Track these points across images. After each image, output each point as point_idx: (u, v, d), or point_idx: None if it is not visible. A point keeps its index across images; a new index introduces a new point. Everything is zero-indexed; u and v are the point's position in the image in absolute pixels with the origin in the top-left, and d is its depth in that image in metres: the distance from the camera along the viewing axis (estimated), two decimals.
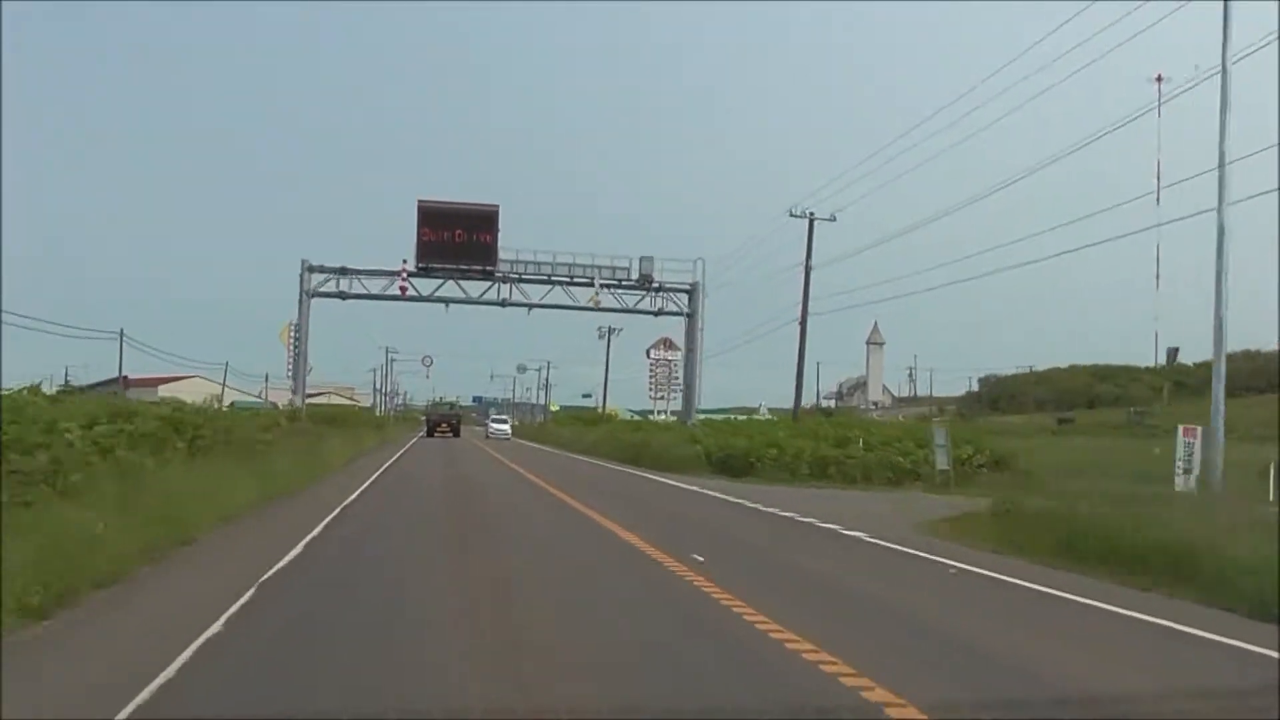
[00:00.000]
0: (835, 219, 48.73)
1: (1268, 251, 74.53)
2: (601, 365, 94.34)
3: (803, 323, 49.27)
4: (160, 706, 6.34)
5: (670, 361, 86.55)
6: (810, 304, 48.13)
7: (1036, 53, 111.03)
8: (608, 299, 56.36)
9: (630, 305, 56.76)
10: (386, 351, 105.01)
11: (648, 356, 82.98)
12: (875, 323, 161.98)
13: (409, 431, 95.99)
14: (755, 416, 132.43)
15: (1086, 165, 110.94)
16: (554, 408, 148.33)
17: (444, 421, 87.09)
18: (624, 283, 55.79)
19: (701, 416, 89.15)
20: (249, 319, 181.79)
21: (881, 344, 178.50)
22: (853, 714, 6.53)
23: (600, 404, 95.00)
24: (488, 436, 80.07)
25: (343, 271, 55.02)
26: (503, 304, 55.51)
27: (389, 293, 55.24)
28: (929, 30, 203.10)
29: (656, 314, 56.97)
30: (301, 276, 54.57)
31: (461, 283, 55.34)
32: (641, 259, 55.36)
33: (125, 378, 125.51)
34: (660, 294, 56.29)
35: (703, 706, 6.77)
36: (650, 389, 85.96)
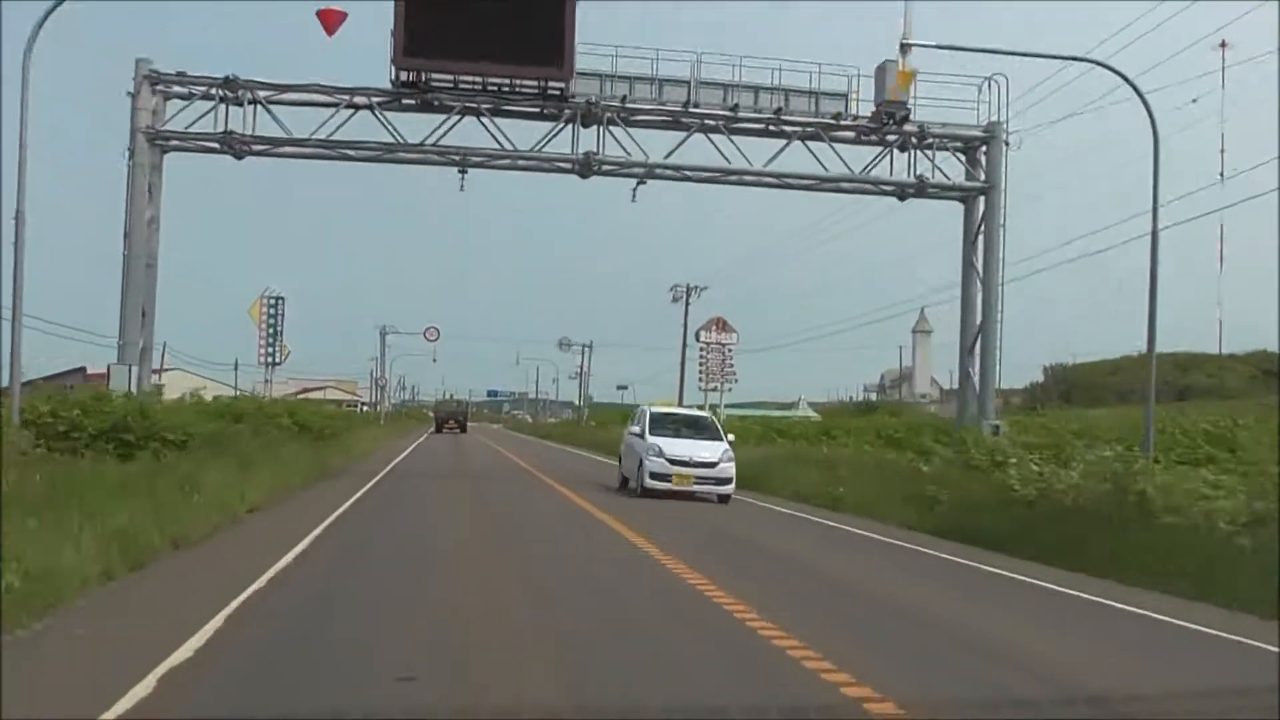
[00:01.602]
0: None
1: None
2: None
3: None
4: None
5: (724, 345, 59.96)
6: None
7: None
8: (795, 156, 23.58)
9: (855, 171, 23.69)
10: (382, 333, 71.68)
11: (696, 339, 60.56)
12: (923, 310, 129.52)
13: (409, 432, 63.69)
14: (793, 414, 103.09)
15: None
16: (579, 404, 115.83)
17: (451, 418, 78.87)
18: (842, 121, 23.10)
19: (739, 413, 60.74)
20: (221, 295, 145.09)
21: (929, 332, 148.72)
22: None
23: (677, 396, 61.60)
24: (645, 486, 21.13)
25: (228, 90, 21.78)
26: (583, 168, 22.35)
27: (332, 139, 22.05)
28: None
29: (911, 189, 23.66)
30: (134, 97, 21.34)
31: (496, 121, 22.41)
32: (883, 65, 22.59)
33: (84, 370, 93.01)
34: (921, 148, 23.43)
35: None
36: (700, 379, 60.45)
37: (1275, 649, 8.00)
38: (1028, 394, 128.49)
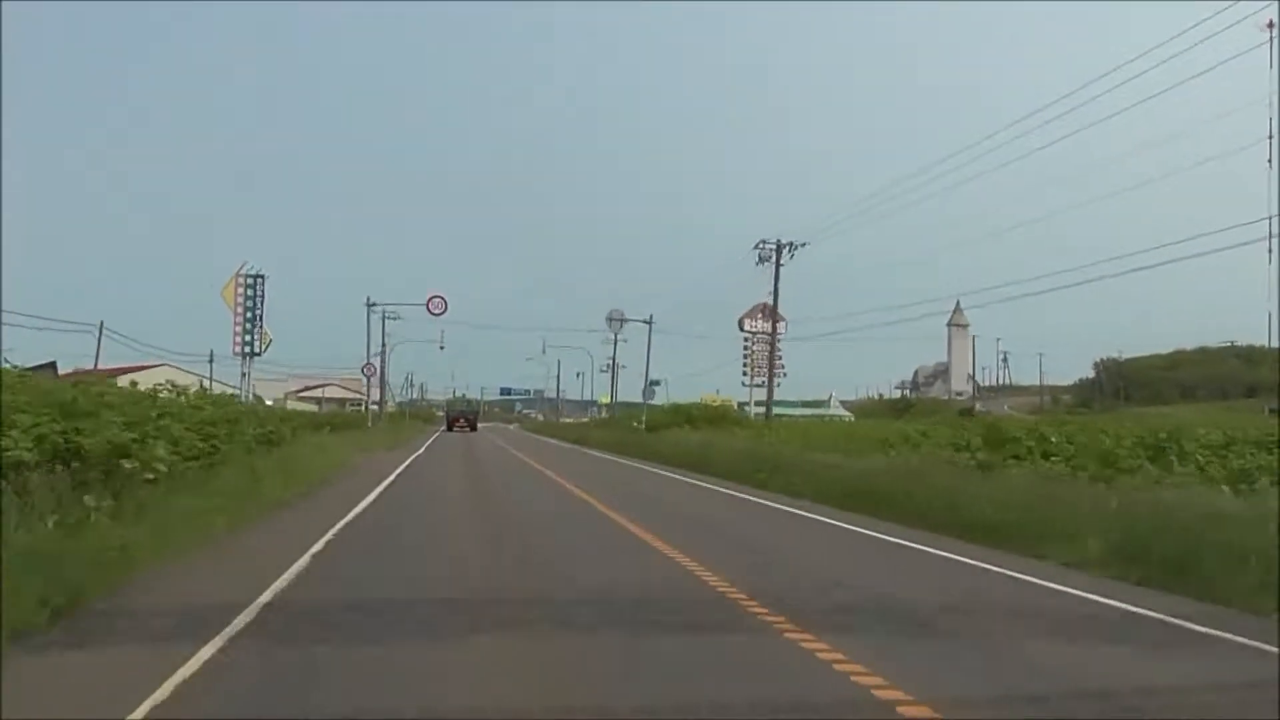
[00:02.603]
0: None
1: None
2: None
3: None
4: None
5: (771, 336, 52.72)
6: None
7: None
8: None
9: None
10: (370, 306, 54.47)
11: (740, 329, 55.30)
12: (958, 302, 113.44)
13: (409, 440, 47.43)
14: (828, 413, 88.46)
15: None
16: (603, 401, 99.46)
17: (461, 417, 75.81)
18: None
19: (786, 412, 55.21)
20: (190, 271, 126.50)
21: (966, 326, 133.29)
22: None
23: (766, 388, 44.60)
24: None
25: None
26: None
27: None
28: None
29: None
30: None
31: None
32: None
33: (54, 364, 76.65)
34: None
35: None
36: (744, 372, 55.27)
37: None
38: (1078, 391, 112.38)
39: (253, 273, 54.95)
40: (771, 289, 40.83)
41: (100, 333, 51.32)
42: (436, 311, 44.66)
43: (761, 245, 39.63)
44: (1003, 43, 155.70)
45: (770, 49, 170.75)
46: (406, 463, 26.64)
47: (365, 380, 53.09)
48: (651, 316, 45.69)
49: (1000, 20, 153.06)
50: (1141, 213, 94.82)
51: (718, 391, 79.06)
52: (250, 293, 55.03)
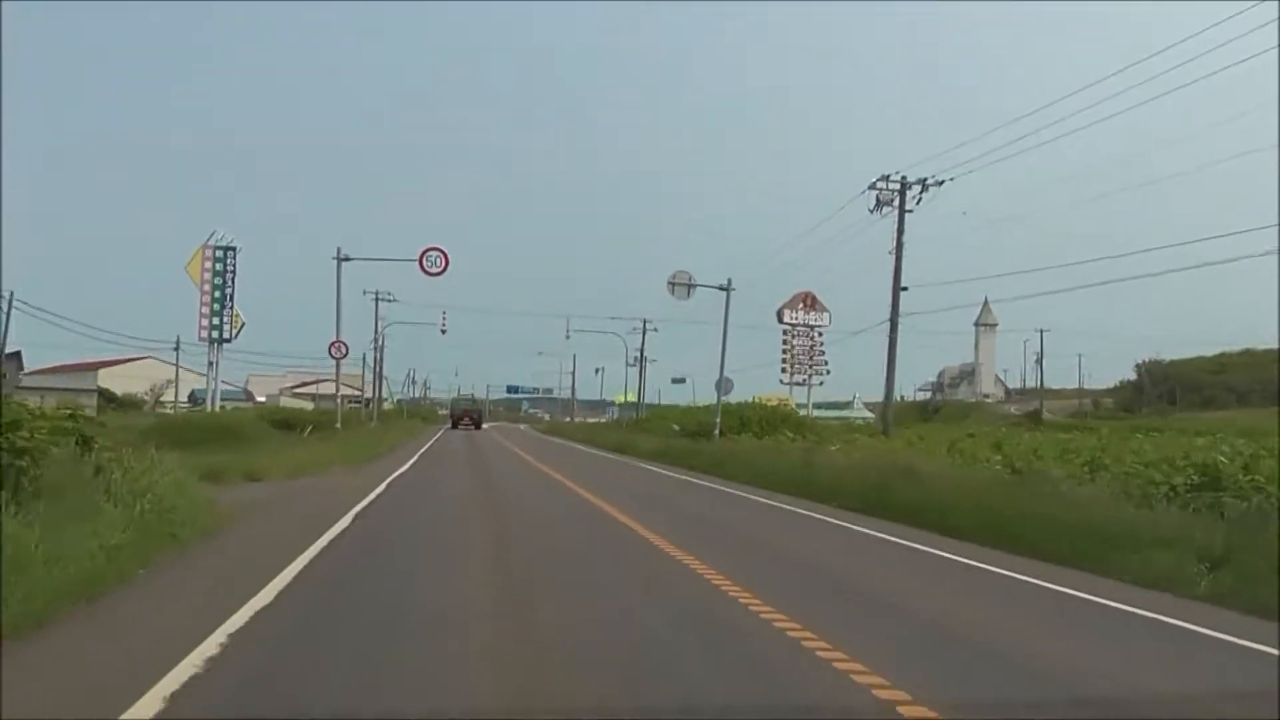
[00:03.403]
0: None
1: None
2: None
3: None
4: None
5: (812, 328, 50.80)
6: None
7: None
8: None
9: None
10: (338, 259, 41.67)
11: (779, 320, 50.42)
12: (985, 299, 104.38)
13: (395, 448, 36.62)
14: (852, 415, 79.61)
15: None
16: (618, 400, 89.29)
17: (465, 416, 72.58)
18: None
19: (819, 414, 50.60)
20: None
21: (994, 325, 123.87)
22: None
23: (885, 382, 32.36)
24: None
25: None
26: None
27: None
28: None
29: None
30: None
31: None
32: None
33: (18, 354, 66.28)
34: None
35: None
36: (783, 369, 50.55)
37: None
38: (1119, 394, 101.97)
39: (222, 244, 43.94)
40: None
41: (9, 305, 39.74)
42: (434, 270, 33.49)
43: (881, 185, 28.49)
44: (1008, 40, 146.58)
45: (788, 51, 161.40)
46: (339, 528, 11.34)
47: (336, 364, 41.62)
48: (730, 281, 34.21)
49: (1002, 16, 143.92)
50: (1161, 213, 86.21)
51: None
52: (219, 268, 43.99)
